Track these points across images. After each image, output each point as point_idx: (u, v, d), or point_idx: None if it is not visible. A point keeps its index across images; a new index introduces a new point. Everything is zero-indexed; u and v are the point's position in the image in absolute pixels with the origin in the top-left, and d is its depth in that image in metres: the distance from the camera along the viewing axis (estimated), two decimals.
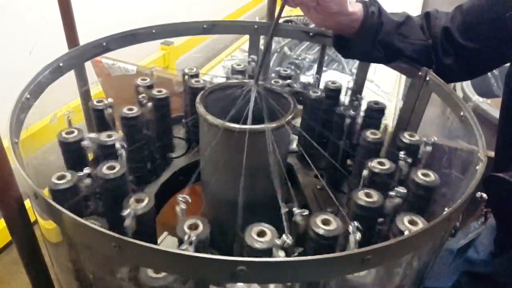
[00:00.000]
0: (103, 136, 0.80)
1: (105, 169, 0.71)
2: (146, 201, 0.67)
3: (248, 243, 0.58)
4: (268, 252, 0.57)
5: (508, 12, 0.76)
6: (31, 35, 1.77)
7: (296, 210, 0.63)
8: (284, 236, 0.57)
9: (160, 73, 1.37)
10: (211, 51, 3.11)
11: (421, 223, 0.64)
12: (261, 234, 0.59)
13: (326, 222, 0.61)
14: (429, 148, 0.84)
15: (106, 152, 0.79)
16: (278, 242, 0.56)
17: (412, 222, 0.64)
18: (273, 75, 1.14)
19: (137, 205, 0.67)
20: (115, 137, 0.80)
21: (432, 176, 0.73)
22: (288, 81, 1.03)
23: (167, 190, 1.00)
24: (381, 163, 0.77)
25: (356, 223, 0.58)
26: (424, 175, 0.73)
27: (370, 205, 0.68)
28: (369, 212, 0.68)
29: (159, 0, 2.63)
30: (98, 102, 0.91)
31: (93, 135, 0.80)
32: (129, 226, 0.63)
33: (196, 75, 1.08)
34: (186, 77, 1.06)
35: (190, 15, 2.97)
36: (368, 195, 0.69)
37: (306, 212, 0.63)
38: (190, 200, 0.62)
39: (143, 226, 0.66)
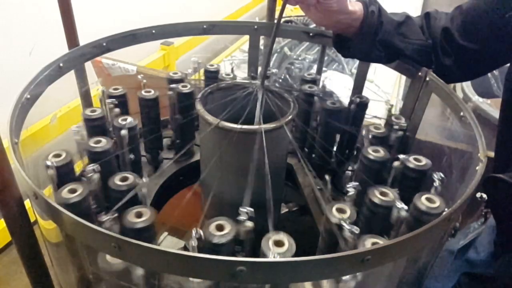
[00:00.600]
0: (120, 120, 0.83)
1: (66, 192, 0.63)
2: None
3: (213, 241, 0.56)
4: (230, 245, 0.57)
5: (508, 12, 0.76)
6: (31, 35, 1.77)
7: (346, 226, 0.57)
8: (241, 208, 0.57)
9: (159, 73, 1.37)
10: (211, 51, 3.11)
11: (391, 193, 0.66)
12: (220, 228, 0.58)
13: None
14: (400, 133, 0.84)
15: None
16: (242, 217, 0.56)
17: (383, 194, 0.66)
18: (286, 68, 1.11)
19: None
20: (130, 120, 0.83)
21: (437, 202, 0.64)
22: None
23: (167, 190, 1.00)
24: (417, 159, 0.75)
25: None
26: (428, 200, 0.65)
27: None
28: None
29: (159, 0, 2.63)
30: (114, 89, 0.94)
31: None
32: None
33: (216, 72, 1.08)
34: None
35: (190, 15, 2.96)
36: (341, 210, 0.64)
37: (357, 230, 0.57)
38: (203, 237, 0.56)
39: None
